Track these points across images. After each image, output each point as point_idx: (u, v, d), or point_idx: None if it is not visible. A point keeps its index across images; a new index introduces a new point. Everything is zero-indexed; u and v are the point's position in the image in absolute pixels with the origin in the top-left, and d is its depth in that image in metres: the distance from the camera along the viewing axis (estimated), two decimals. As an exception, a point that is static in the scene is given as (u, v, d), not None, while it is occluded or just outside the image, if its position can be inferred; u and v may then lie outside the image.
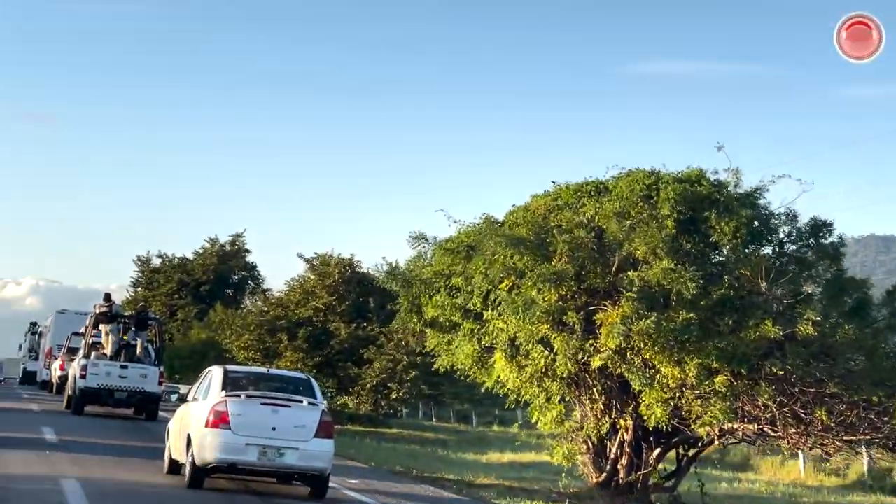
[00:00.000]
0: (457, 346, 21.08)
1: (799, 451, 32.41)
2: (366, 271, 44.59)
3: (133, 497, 14.95)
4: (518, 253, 18.88)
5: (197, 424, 15.70)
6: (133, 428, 28.56)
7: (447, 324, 21.12)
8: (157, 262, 70.25)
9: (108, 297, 34.36)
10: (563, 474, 28.14)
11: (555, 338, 18.54)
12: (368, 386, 42.37)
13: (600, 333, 18.29)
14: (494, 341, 19.95)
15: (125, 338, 32.84)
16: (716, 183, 19.56)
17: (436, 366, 22.51)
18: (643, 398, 18.38)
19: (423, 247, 22.22)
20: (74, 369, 32.65)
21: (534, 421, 21.37)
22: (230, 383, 16.14)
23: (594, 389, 20.14)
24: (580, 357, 18.49)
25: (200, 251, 69.89)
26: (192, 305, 65.72)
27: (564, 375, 19.00)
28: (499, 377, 20.36)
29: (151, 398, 31.76)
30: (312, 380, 17.45)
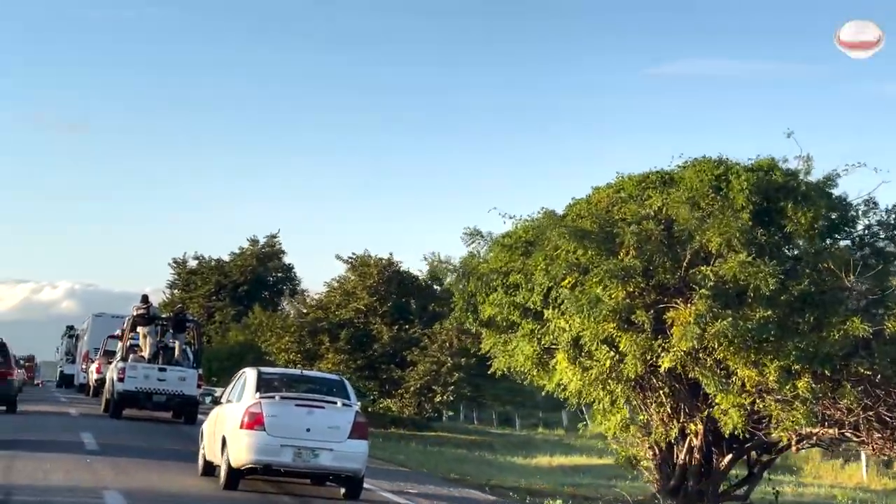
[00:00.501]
0: (515, 347, 19.99)
1: (863, 454, 31.21)
2: (407, 271, 43.67)
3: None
4: (582, 247, 17.79)
5: (232, 426, 15.65)
6: (172, 432, 27.78)
7: (504, 323, 20.04)
8: (193, 263, 69.62)
9: (145, 298, 33.54)
10: (618, 479, 27.36)
11: (622, 338, 17.45)
12: (412, 388, 41.38)
13: (671, 333, 17.18)
14: (555, 341, 18.86)
15: (163, 340, 32.26)
16: (788, 172, 18.43)
17: (492, 368, 21.43)
18: (717, 402, 17.23)
19: (478, 243, 21.14)
20: (112, 372, 32.06)
21: (596, 425, 20.22)
22: (264, 385, 16.06)
23: (661, 392, 19.03)
24: (648, 358, 17.38)
25: (237, 252, 69.27)
26: (229, 307, 65.07)
27: (632, 377, 17.90)
28: (560, 380, 19.26)
29: (190, 401, 31.04)
30: (346, 381, 17.37)
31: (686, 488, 19.26)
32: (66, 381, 62.92)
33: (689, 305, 16.99)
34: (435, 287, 44.11)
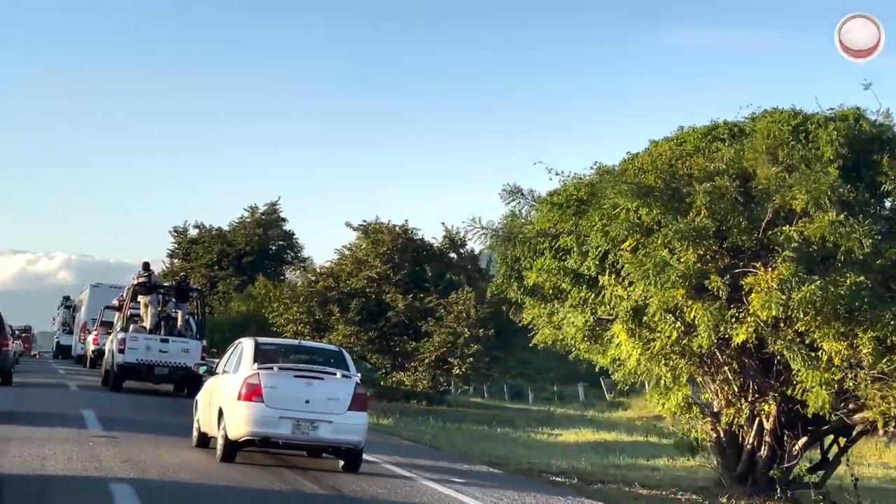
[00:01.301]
0: (563, 318, 18.03)
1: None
2: (422, 238, 41.67)
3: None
4: (646, 205, 15.78)
5: (229, 397, 15.29)
6: (176, 406, 25.87)
7: (551, 292, 18.06)
8: (194, 232, 67.66)
9: (146, 266, 32.32)
10: (655, 458, 25.52)
11: (692, 306, 15.47)
12: (427, 361, 39.43)
13: (748, 301, 15.21)
14: (612, 311, 16.89)
15: (165, 310, 31.06)
16: (877, 124, 16.43)
17: (533, 342, 19.46)
18: (801, 379, 15.25)
19: (518, 202, 19.12)
20: (112, 344, 31.01)
21: (653, 405, 18.29)
22: (262, 355, 15.69)
23: (727, 369, 17.09)
24: (721, 329, 15.41)
25: (237, 221, 67.31)
26: (232, 277, 63.16)
27: (702, 351, 15.94)
28: (616, 354, 17.29)
29: (193, 374, 29.13)
30: (345, 352, 17.01)
31: (755, 475, 17.36)
32: (62, 352, 62.30)
33: (768, 270, 15.02)
34: (451, 255, 42.12)
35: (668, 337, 16.01)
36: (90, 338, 43.69)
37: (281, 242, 67.98)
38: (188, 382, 29.40)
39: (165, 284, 34.12)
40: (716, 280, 15.22)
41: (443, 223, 42.15)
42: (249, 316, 52.59)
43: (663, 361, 16.61)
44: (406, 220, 41.49)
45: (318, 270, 43.05)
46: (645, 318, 16.38)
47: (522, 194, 19.15)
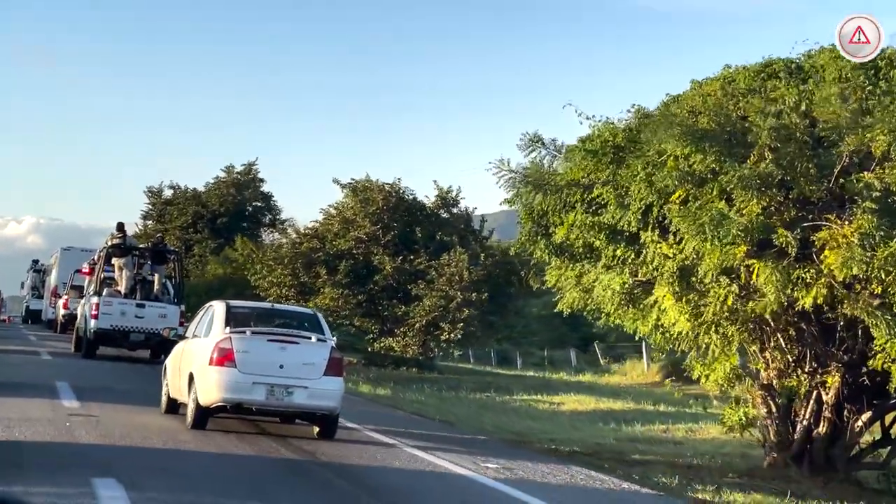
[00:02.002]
0: (596, 280, 16.09)
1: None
2: (414, 197, 39.63)
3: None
4: (700, 151, 13.82)
5: (200, 362, 14.77)
6: (153, 374, 23.89)
7: (581, 250, 16.11)
8: (168, 193, 65.37)
9: (121, 226, 30.78)
10: (672, 426, 23.83)
11: (756, 266, 13.57)
12: (417, 326, 37.47)
13: (820, 259, 13.33)
14: (654, 272, 14.96)
15: (141, 273, 29.56)
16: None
17: (558, 307, 17.53)
18: (882, 347, 13.37)
19: (539, 152, 17.11)
20: (84, 308, 29.47)
21: (696, 377, 16.40)
22: (233, 319, 15.20)
23: (780, 335, 15.24)
24: (788, 291, 13.52)
25: (213, 182, 65.08)
26: (208, 239, 61.03)
27: (764, 316, 14.07)
28: (659, 321, 15.39)
29: (172, 340, 27.64)
30: (320, 315, 16.51)
31: (811, 454, 15.54)
32: (32, 316, 60.44)
33: (844, 223, 13.13)
34: (443, 215, 40.10)
35: (723, 301, 14.11)
36: (60, 302, 42.33)
37: (258, 204, 65.87)
38: (165, 349, 27.72)
39: (141, 246, 32.44)
40: (784, 234, 13.30)
41: (434, 181, 40.09)
42: (226, 279, 51.09)
43: (713, 329, 14.72)
44: (398, 179, 39.39)
45: (302, 231, 40.90)
46: (693, 279, 14.50)
47: (543, 143, 17.16)
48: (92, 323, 27.61)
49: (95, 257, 32.21)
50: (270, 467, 12.27)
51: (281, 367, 14.58)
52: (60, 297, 43.40)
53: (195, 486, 10.67)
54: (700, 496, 12.85)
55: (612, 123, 16.21)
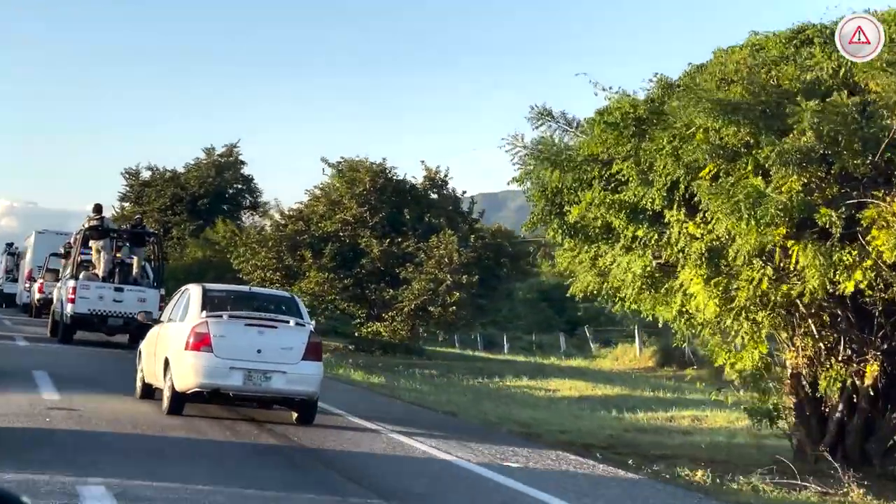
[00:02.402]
0: (613, 262, 15.04)
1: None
2: (403, 178, 38.47)
3: None
4: (733, 123, 12.77)
5: (175, 347, 14.56)
6: (129, 358, 22.90)
7: (598, 230, 15.05)
8: (146, 175, 64.02)
9: (98, 208, 29.71)
10: (674, 411, 22.92)
11: (795, 247, 12.56)
12: (406, 310, 36.40)
13: (867, 240, 12.32)
14: (681, 254, 13.92)
15: (119, 256, 28.85)
16: None
17: (571, 291, 16.49)
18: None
19: (549, 126, 16.02)
20: (61, 292, 28.78)
21: (719, 365, 15.38)
22: (210, 303, 14.96)
23: (811, 321, 14.24)
24: (832, 274, 12.50)
25: (193, 163, 63.76)
26: (187, 222, 59.72)
27: (802, 301, 13.07)
28: (683, 306, 14.36)
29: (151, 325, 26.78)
30: (298, 298, 16.37)
31: (844, 449, 14.56)
32: (5, 300, 58.96)
33: (892, 200, 12.13)
34: (432, 196, 39.00)
35: (756, 285, 13.09)
36: (35, 286, 41.46)
37: (239, 186, 64.58)
38: (144, 334, 26.68)
39: (120, 228, 31.58)
40: (827, 213, 12.28)
41: (422, 161, 38.95)
42: (206, 262, 50.00)
43: (744, 315, 13.70)
44: (384, 159, 38.22)
45: (286, 213, 39.70)
46: (722, 261, 13.48)
47: (553, 117, 16.08)
48: (69, 307, 26.75)
49: (72, 240, 31.31)
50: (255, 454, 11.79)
51: (259, 351, 14.31)
52: (35, 280, 42.46)
53: (178, 475, 9.98)
54: (742, 499, 11.84)
55: (629, 95, 15.13)
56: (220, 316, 14.54)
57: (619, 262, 14.90)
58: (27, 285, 47.07)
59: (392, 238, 36.98)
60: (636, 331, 44.03)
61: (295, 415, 14.87)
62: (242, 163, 64.28)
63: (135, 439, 12.21)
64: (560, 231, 15.36)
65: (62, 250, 33.52)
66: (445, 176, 38.66)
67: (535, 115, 16.05)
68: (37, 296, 40.67)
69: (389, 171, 38.12)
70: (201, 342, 14.20)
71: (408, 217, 37.33)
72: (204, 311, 14.58)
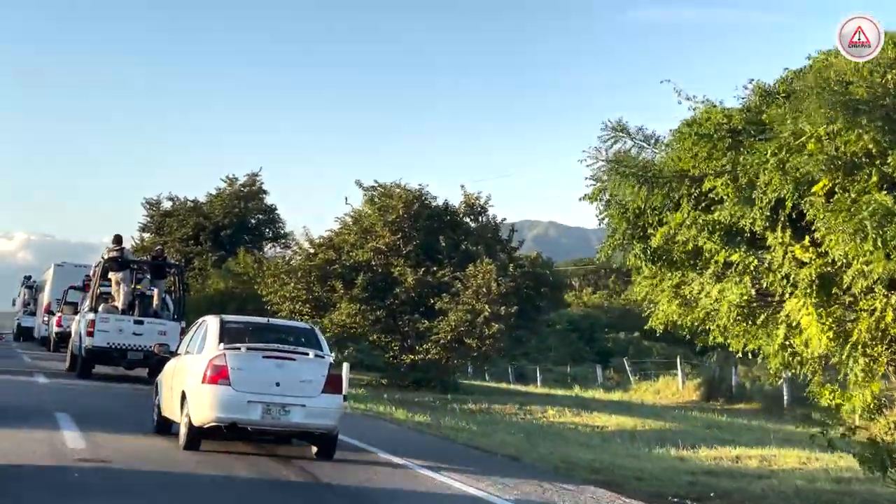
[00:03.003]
0: (701, 291, 13.45)
1: None
2: (437, 205, 36.92)
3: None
4: (857, 126, 11.18)
5: (192, 380, 14.21)
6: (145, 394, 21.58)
7: (682, 255, 13.48)
8: (167, 205, 62.73)
9: (118, 239, 29.21)
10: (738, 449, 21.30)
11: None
12: (441, 342, 34.77)
13: None
14: (784, 281, 12.32)
15: (139, 288, 28.30)
16: None
17: (650, 324, 14.89)
18: None
19: (623, 143, 14.47)
20: (79, 325, 28.14)
21: (827, 404, 13.73)
22: (227, 334, 14.62)
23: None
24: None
25: (215, 193, 62.48)
26: (210, 252, 58.30)
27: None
28: (786, 340, 12.74)
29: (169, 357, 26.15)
30: (317, 330, 16.03)
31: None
32: (24, 333, 58.67)
33: None
34: (468, 221, 37.39)
35: (878, 317, 11.48)
36: (54, 320, 40.87)
37: (261, 216, 63.21)
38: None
39: (140, 259, 30.85)
40: (969, 234, 10.67)
41: (462, 186, 37.34)
42: (228, 293, 48.59)
43: (860, 349, 12.08)
44: (420, 184, 36.63)
45: (316, 241, 38.15)
46: (835, 290, 11.88)
47: (628, 133, 14.54)
48: (87, 340, 26.10)
49: (91, 273, 30.81)
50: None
51: (277, 384, 13.96)
52: (54, 314, 41.65)
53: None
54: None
55: (715, 105, 13.59)
56: (238, 348, 14.17)
57: (709, 290, 13.32)
58: (45, 318, 46.51)
59: (427, 267, 35.40)
60: (678, 363, 42.35)
61: (315, 449, 14.55)
62: (264, 192, 63.09)
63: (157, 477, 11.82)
64: (642, 257, 13.77)
65: (82, 283, 33.11)
66: (485, 203, 37.08)
67: (608, 131, 14.52)
68: (55, 329, 39.87)
69: (424, 197, 36.52)
70: (219, 375, 13.82)
71: (444, 245, 35.71)
72: (221, 343, 14.24)
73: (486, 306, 33.91)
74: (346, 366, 25.57)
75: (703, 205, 13.05)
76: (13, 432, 14.13)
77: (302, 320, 35.83)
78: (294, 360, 14.28)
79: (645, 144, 14.61)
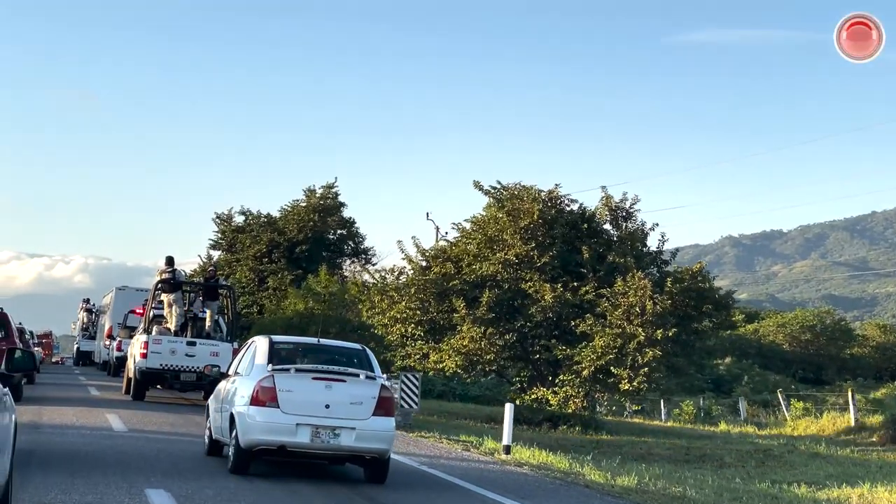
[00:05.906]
0: None
1: None
2: (577, 210, 31.13)
3: None
4: None
5: (241, 402, 14.00)
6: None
7: None
8: (239, 220, 57.73)
9: (170, 261, 29.04)
10: None
11: None
12: (584, 372, 28.99)
13: None
14: None
15: (192, 309, 28.55)
16: None
17: None
18: None
19: None
20: (133, 347, 28.44)
21: None
22: (276, 355, 14.44)
23: None
24: None
25: (289, 206, 57.34)
26: (285, 270, 53.08)
27: None
28: None
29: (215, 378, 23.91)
30: (368, 350, 15.49)
31: None
32: (83, 357, 57.96)
33: None
34: (609, 229, 31.57)
35: None
36: (114, 344, 40.89)
37: (340, 231, 57.85)
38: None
39: (192, 281, 31.50)
40: None
41: (602, 188, 31.12)
42: (308, 315, 44.05)
43: None
44: (557, 185, 30.80)
45: (431, 253, 32.44)
46: None
47: None
48: (140, 363, 26.37)
49: (150, 296, 30.61)
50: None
51: (327, 406, 13.76)
52: (115, 338, 41.29)
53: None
54: None
55: None
56: (287, 369, 13.97)
57: None
58: (107, 343, 45.33)
59: (566, 282, 29.62)
60: (850, 396, 36.05)
61: (366, 473, 14.33)
62: (342, 204, 57.84)
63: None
64: None
65: (141, 308, 32.84)
66: (632, 206, 31.23)
67: None
68: (115, 354, 39.67)
69: (561, 200, 30.74)
70: (267, 397, 13.68)
71: (586, 257, 29.90)
72: (270, 365, 14.07)
73: (640, 329, 28.14)
74: (509, 407, 19.95)
75: None
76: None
77: (416, 345, 30.35)
78: (344, 381, 13.97)
79: None
